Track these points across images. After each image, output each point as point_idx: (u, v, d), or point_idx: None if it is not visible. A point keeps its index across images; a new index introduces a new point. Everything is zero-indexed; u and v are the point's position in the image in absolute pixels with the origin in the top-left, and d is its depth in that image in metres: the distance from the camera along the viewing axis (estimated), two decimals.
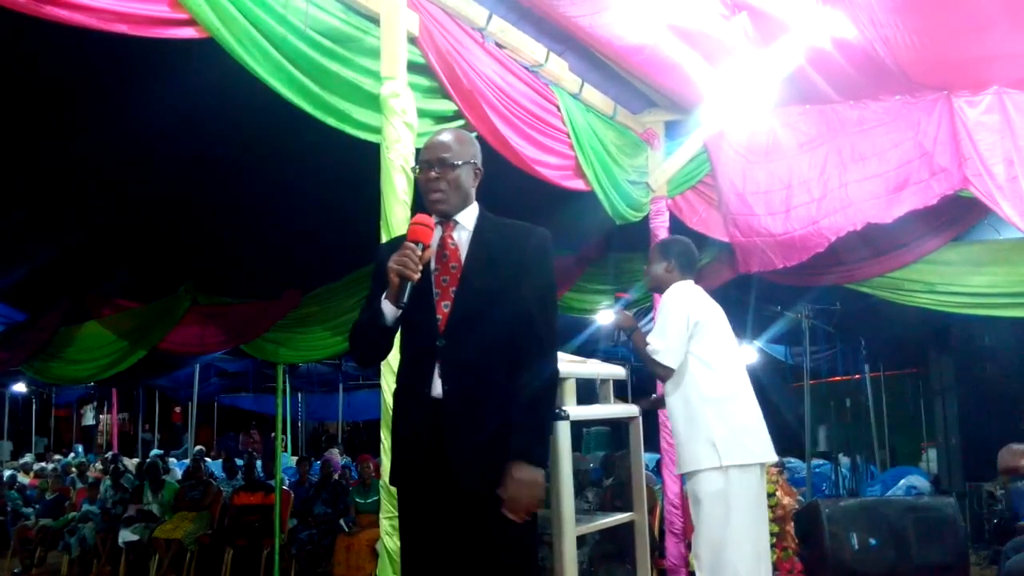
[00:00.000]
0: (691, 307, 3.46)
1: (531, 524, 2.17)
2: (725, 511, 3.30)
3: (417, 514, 2.19)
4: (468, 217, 2.27)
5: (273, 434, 8.66)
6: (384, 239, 2.87)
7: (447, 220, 2.24)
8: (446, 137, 2.30)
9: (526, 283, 2.19)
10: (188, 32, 2.49)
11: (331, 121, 2.96)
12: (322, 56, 2.88)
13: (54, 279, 6.88)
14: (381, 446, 2.85)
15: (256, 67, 2.66)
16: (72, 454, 13.43)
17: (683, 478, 3.46)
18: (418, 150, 2.72)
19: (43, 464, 12.28)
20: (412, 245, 2.12)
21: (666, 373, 3.42)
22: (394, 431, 2.33)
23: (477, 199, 2.29)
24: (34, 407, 15.87)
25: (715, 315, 3.51)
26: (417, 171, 2.29)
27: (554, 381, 2.29)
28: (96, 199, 5.05)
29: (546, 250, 2.27)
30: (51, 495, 9.78)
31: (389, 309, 2.16)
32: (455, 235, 2.26)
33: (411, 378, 2.22)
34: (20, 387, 13.05)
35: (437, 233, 2.22)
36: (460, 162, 2.23)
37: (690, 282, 3.57)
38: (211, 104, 3.47)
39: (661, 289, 3.64)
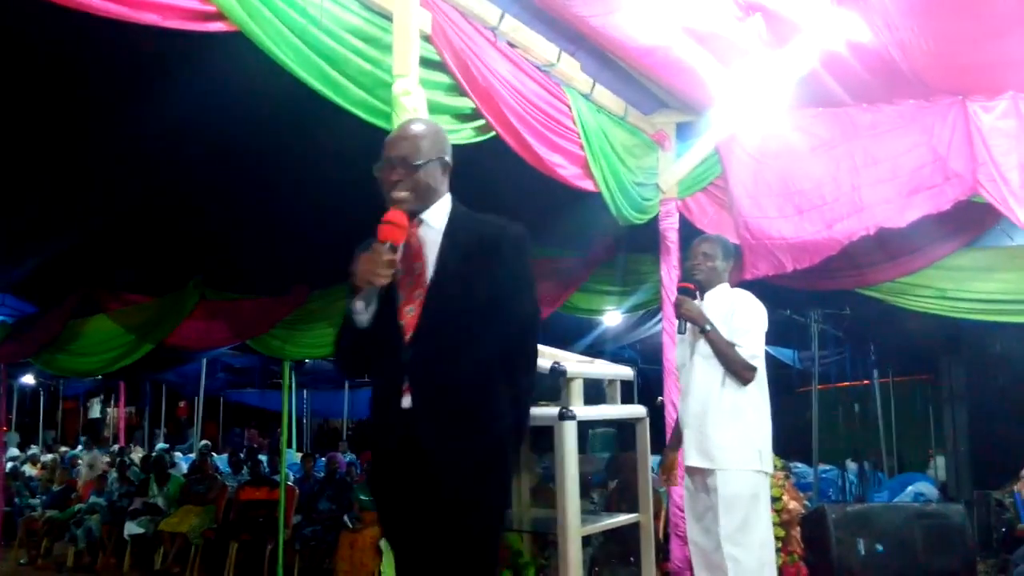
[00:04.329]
0: (766, 315, 3.56)
1: (498, 527, 2.13)
2: (764, 513, 3.44)
3: (396, 522, 2.14)
4: (437, 215, 2.11)
5: (278, 430, 8.66)
6: None
7: (411, 218, 2.07)
8: (411, 132, 2.14)
9: (503, 286, 2.04)
10: (218, 26, 2.51)
11: (353, 109, 2.95)
12: (342, 47, 2.89)
13: (64, 272, 6.90)
14: None
15: (284, 59, 2.68)
16: (79, 447, 13.48)
17: (712, 474, 3.45)
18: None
19: (50, 455, 12.33)
20: (381, 246, 1.97)
21: (751, 377, 3.45)
22: (372, 442, 2.26)
23: (454, 192, 2.19)
24: (42, 399, 15.93)
25: None
26: (378, 169, 2.12)
27: (533, 389, 2.20)
28: (107, 193, 5.06)
29: (523, 248, 2.12)
30: (58, 487, 9.82)
31: (361, 316, 2.02)
32: (421, 234, 2.09)
33: (382, 390, 2.10)
34: (28, 379, 13.09)
35: None
36: (424, 161, 2.08)
37: None
38: (224, 100, 3.47)
39: (711, 284, 3.65)
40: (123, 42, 2.77)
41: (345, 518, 7.10)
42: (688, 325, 3.60)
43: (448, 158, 2.18)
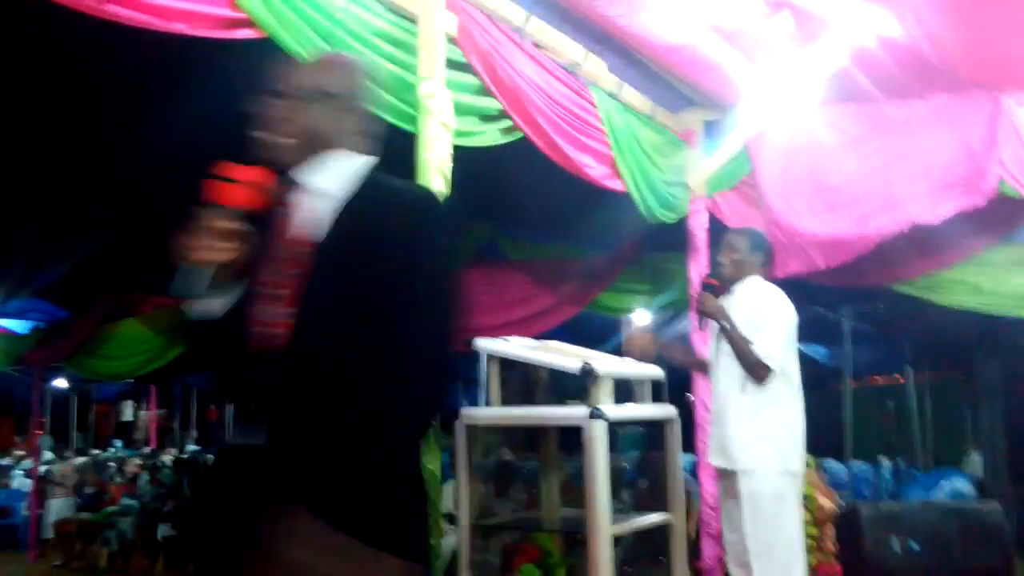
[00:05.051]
0: (792, 312, 3.48)
1: None
2: (790, 514, 3.40)
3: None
4: (331, 178, 1.53)
5: None
6: None
7: (280, 176, 1.51)
8: (312, 61, 1.70)
9: (400, 279, 1.46)
10: (247, 32, 2.53)
11: (379, 113, 2.95)
12: (368, 50, 2.90)
13: (94, 277, 6.98)
14: None
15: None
16: (111, 449, 13.65)
17: (733, 475, 3.43)
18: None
19: (82, 458, 12.50)
20: (215, 211, 1.47)
21: (765, 375, 3.39)
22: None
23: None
24: (74, 403, 16.14)
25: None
26: (255, 106, 1.60)
27: (433, 414, 1.68)
28: (137, 197, 5.11)
29: (429, 225, 1.53)
30: (90, 489, 9.95)
31: (195, 306, 1.51)
32: (298, 203, 1.52)
33: (236, 414, 1.58)
34: (60, 383, 13.27)
35: None
36: (310, 93, 1.55)
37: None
38: (247, 101, 3.49)
39: (738, 278, 3.59)
40: (151, 47, 2.79)
41: None
42: (711, 322, 3.56)
43: (359, 101, 1.63)
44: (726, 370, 3.50)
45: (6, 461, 12.42)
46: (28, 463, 11.37)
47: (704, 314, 3.54)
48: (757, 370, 3.38)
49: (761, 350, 3.37)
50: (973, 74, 4.02)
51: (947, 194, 4.18)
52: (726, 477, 3.52)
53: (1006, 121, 4.07)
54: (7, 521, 10.22)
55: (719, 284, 3.58)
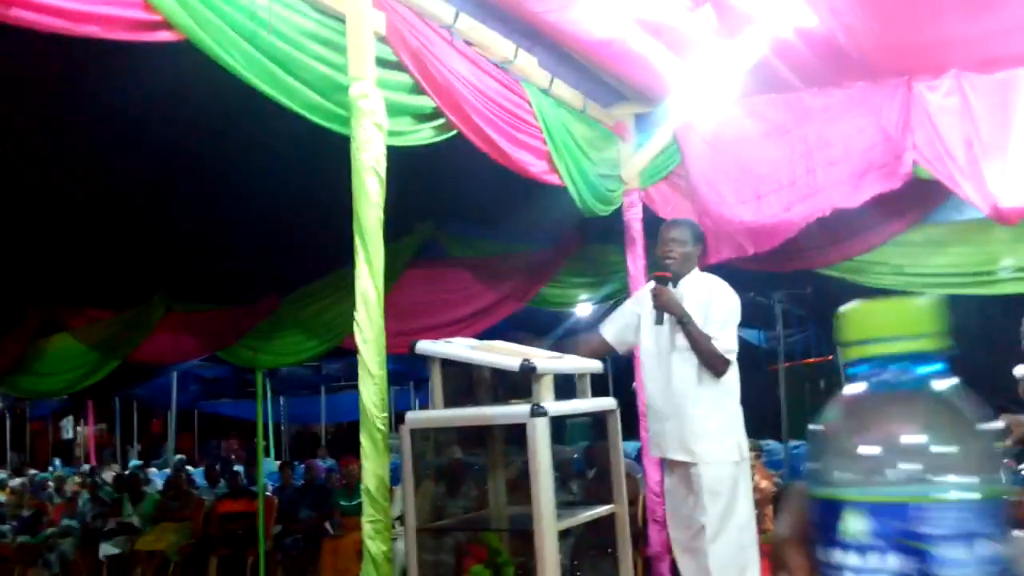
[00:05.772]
0: (739, 302, 3.59)
1: None
2: (744, 498, 3.52)
3: None
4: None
5: (255, 439, 8.64)
6: (358, 242, 2.86)
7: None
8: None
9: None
10: (164, 35, 2.46)
11: (305, 113, 2.94)
12: (295, 51, 2.87)
13: (22, 290, 6.80)
14: (362, 449, 2.85)
15: (234, 65, 2.65)
16: (50, 468, 13.27)
17: (691, 467, 3.52)
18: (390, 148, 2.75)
19: (19, 479, 12.13)
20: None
21: (725, 370, 3.47)
22: None
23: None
24: (7, 422, 15.65)
25: None
26: None
27: None
28: (66, 205, 5.00)
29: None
30: (28, 511, 9.67)
31: None
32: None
33: None
34: None
35: None
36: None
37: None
38: (181, 106, 3.46)
39: (684, 271, 3.67)
40: (70, 45, 2.74)
41: (327, 525, 7.09)
42: (666, 316, 3.60)
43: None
44: (681, 364, 3.55)
45: None
46: None
47: (664, 309, 3.58)
48: (718, 364, 3.46)
49: (722, 345, 3.45)
50: (886, 61, 4.18)
51: (866, 178, 4.35)
52: (680, 468, 3.59)
53: (918, 106, 4.24)
54: None
55: (670, 276, 3.65)
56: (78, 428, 16.58)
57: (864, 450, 0.53)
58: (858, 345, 0.56)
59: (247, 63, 2.69)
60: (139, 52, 2.66)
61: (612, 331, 3.93)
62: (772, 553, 0.59)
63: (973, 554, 0.49)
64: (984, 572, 0.49)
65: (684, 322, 3.49)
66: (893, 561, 0.50)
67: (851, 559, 0.51)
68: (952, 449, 0.52)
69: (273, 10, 2.78)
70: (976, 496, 0.50)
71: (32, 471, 13.04)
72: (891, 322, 0.55)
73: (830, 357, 8.68)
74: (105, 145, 4.07)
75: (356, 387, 2.88)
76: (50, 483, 10.93)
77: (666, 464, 3.73)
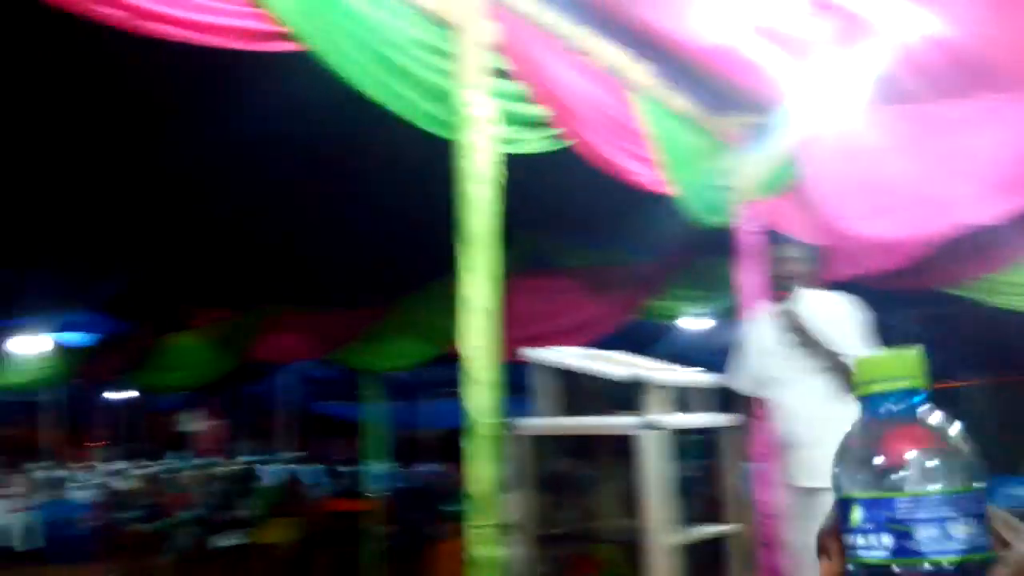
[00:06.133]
0: (869, 317, 3.50)
1: None
2: None
3: None
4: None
5: (365, 441, 8.83)
6: (462, 250, 2.87)
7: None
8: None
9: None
10: (284, 45, 2.53)
11: (421, 124, 2.97)
12: (409, 60, 2.91)
13: (150, 290, 7.16)
14: (468, 454, 2.85)
15: (350, 76, 2.70)
16: (169, 460, 13.91)
17: (821, 492, 3.37)
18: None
19: (140, 470, 12.77)
20: None
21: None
22: None
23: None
24: (133, 414, 16.49)
25: None
26: None
27: None
28: (192, 212, 5.24)
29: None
30: (148, 501, 10.15)
31: None
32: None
33: None
34: (119, 395, 13.58)
35: None
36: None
37: None
38: (299, 117, 3.55)
39: (802, 292, 3.59)
40: (203, 61, 2.84)
41: (436, 528, 7.15)
42: (792, 338, 3.48)
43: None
44: (808, 387, 3.43)
45: (62, 473, 12.72)
46: (85, 475, 11.66)
47: (793, 331, 3.47)
48: (846, 376, 3.34)
49: (854, 357, 3.32)
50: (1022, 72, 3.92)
51: (999, 194, 4.07)
52: (810, 495, 3.45)
53: None
54: (68, 533, 10.45)
55: (788, 296, 3.55)
56: (196, 423, 17.32)
57: (872, 461, 0.72)
58: (867, 384, 0.76)
59: (362, 73, 2.74)
60: (261, 64, 2.74)
61: (749, 383, 3.84)
62: (817, 542, 0.78)
63: (947, 533, 0.66)
64: (956, 549, 0.66)
65: (819, 343, 3.35)
66: (887, 540, 0.68)
67: (859, 540, 0.70)
68: (935, 462, 0.69)
69: (389, 21, 2.83)
70: (949, 489, 0.68)
71: (150, 463, 13.71)
72: (891, 367, 0.75)
73: (959, 384, 8.23)
74: (230, 156, 4.23)
75: (463, 393, 2.88)
76: (170, 475, 11.44)
77: (796, 492, 3.56)
